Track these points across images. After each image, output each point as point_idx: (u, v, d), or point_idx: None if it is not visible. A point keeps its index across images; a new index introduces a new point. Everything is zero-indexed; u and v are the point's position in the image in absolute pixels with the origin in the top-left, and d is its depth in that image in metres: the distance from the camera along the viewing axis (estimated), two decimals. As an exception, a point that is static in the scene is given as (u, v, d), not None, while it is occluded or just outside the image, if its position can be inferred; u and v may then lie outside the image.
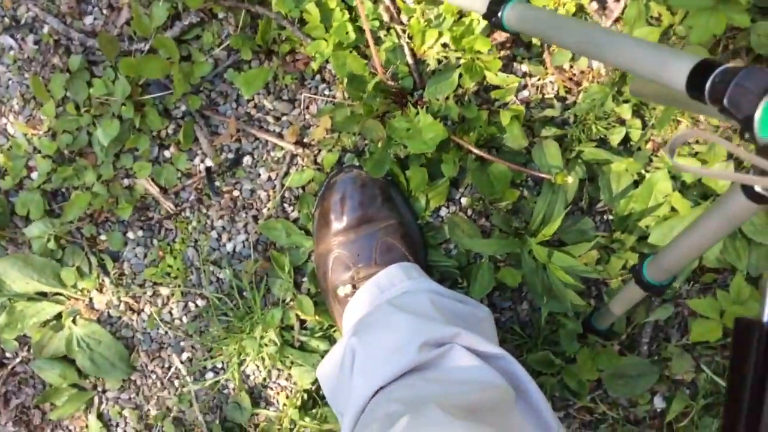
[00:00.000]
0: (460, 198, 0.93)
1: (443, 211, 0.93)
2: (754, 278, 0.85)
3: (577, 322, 0.91)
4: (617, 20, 0.87)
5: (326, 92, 0.93)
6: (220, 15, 0.92)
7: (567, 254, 0.82)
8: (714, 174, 0.46)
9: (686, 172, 0.84)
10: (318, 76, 0.93)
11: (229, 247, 0.97)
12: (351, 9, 0.88)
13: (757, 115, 0.37)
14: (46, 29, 0.96)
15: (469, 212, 0.93)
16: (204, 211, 0.97)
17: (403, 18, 0.90)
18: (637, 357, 0.94)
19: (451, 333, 0.71)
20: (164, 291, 1.00)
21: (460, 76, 0.88)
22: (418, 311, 0.77)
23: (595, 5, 0.87)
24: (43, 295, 1.01)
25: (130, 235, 0.99)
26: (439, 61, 0.90)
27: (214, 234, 0.97)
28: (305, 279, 0.95)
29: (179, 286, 0.99)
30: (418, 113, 0.86)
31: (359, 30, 0.89)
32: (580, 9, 0.86)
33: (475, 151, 0.86)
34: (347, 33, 0.86)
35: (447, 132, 0.86)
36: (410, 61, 0.90)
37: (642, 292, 0.68)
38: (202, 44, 0.92)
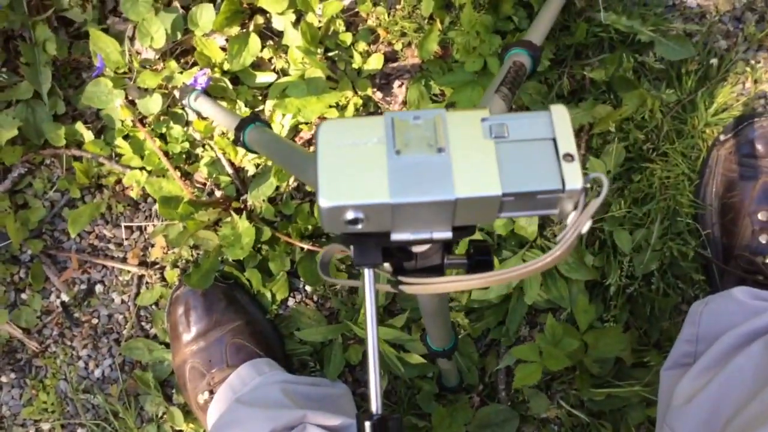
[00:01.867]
0: (304, 286, 0.98)
1: (291, 302, 0.99)
2: (570, 317, 0.91)
3: (433, 383, 0.95)
4: (404, 103, 0.94)
5: (161, 212, 0.99)
6: (47, 161, 0.99)
7: (390, 327, 0.87)
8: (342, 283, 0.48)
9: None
10: (150, 198, 0.99)
11: (98, 373, 1.01)
12: (163, 135, 0.95)
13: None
14: None
15: (315, 298, 0.99)
16: (68, 343, 1.01)
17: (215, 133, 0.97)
18: (497, 404, 0.98)
19: (299, 415, 0.76)
20: (45, 426, 1.03)
21: (278, 177, 0.94)
22: (267, 403, 0.81)
23: (380, 94, 0.94)
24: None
25: (3, 379, 1.03)
26: (257, 166, 0.97)
27: (81, 363, 1.01)
28: (174, 390, 0.99)
29: (58, 419, 1.02)
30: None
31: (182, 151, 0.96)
32: (369, 99, 0.94)
33: (299, 244, 0.92)
34: (158, 160, 0.92)
35: (270, 231, 0.92)
36: (230, 170, 0.97)
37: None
38: (36, 190, 0.98)
